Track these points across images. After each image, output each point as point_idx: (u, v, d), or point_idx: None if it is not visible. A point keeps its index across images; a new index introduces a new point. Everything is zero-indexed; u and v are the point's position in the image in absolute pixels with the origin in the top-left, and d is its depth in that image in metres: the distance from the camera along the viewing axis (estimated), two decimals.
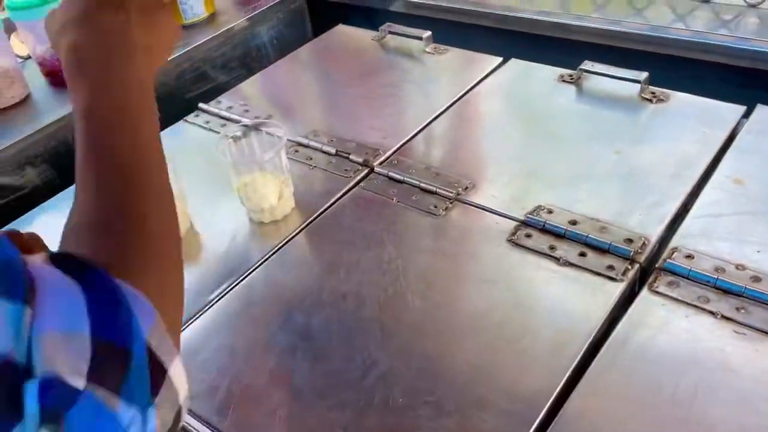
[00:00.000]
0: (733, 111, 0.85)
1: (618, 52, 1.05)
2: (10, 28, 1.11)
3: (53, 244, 0.79)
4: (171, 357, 0.35)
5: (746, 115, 0.84)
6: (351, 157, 0.88)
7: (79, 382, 0.31)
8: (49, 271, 0.33)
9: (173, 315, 0.39)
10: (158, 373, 0.34)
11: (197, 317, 0.69)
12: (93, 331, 0.32)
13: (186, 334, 0.67)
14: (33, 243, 0.51)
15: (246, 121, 0.94)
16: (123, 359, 0.33)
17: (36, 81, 1.12)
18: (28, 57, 1.17)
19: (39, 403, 0.30)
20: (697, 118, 0.85)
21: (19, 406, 0.29)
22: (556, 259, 0.68)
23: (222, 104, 1.04)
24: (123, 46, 0.44)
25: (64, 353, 0.31)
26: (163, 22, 0.48)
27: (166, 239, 0.41)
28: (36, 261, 0.34)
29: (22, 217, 0.90)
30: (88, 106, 0.41)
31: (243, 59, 1.33)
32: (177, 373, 0.36)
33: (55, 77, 1.11)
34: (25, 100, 1.08)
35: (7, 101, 1.05)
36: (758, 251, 0.65)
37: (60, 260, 0.35)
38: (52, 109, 1.06)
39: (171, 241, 0.41)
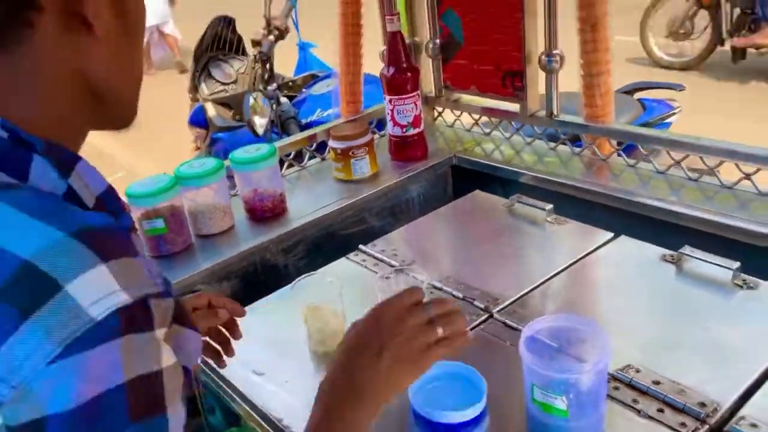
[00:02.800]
0: None
1: (723, 240, 1.20)
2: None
3: (236, 351, 1.04)
4: None
5: None
6: (475, 302, 1.09)
7: None
8: None
9: None
10: None
11: None
12: None
13: None
14: None
15: (396, 265, 1.19)
16: None
17: (239, 215, 1.46)
18: (235, 194, 1.52)
19: None
20: None
21: None
22: (637, 411, 0.83)
23: (377, 247, 1.31)
24: (362, 393, 0.67)
25: None
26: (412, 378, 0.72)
27: None
28: None
29: None
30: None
31: (393, 209, 1.62)
32: None
33: (253, 213, 1.44)
34: (230, 228, 1.42)
35: (218, 228, 1.39)
36: None
37: None
38: (248, 239, 1.38)
39: None
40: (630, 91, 2.26)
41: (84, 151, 0.57)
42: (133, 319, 0.44)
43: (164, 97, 5.08)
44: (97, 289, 0.43)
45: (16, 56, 0.50)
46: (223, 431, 1.17)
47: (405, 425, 0.87)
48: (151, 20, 6.67)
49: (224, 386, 1.04)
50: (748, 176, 1.27)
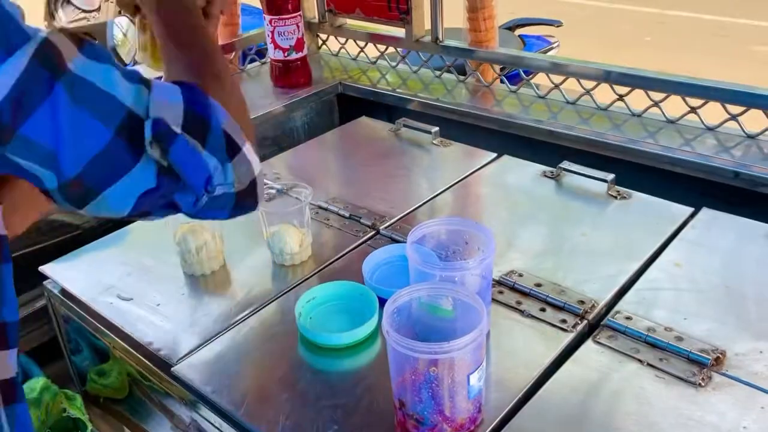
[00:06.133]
0: (682, 211, 1.02)
1: (598, 157, 1.24)
2: None
3: (99, 278, 0.94)
4: (242, 141, 0.56)
5: (693, 215, 1.01)
6: (362, 220, 1.05)
7: (176, 129, 0.51)
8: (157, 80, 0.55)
9: (239, 120, 0.57)
10: (233, 146, 0.55)
11: (225, 332, 0.84)
12: (186, 102, 0.53)
13: (214, 346, 0.82)
14: None
15: (279, 187, 1.13)
16: (205, 125, 0.53)
17: None
18: None
19: (152, 131, 0.50)
20: (652, 214, 1.02)
21: (142, 144, 0.50)
22: (521, 312, 0.83)
23: None
24: None
25: (167, 110, 0.52)
26: None
27: (227, 75, 0.61)
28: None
29: (74, 252, 1.06)
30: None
31: (276, 138, 1.54)
32: (249, 150, 0.56)
33: None
34: None
35: None
36: (685, 319, 0.80)
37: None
38: None
39: (229, 77, 0.61)
40: (511, 27, 2.29)
41: None
42: None
43: None
44: None
45: None
46: (90, 371, 1.07)
47: None
48: None
49: (89, 318, 0.94)
50: (621, 97, 1.31)
